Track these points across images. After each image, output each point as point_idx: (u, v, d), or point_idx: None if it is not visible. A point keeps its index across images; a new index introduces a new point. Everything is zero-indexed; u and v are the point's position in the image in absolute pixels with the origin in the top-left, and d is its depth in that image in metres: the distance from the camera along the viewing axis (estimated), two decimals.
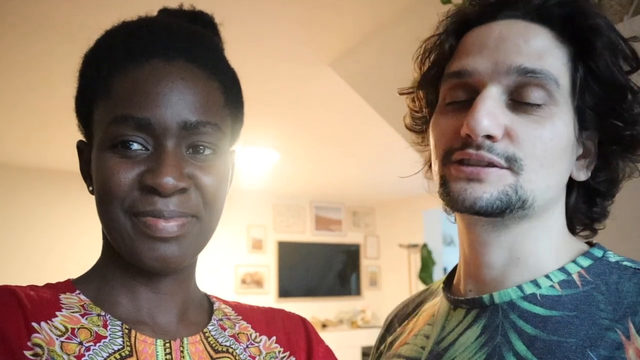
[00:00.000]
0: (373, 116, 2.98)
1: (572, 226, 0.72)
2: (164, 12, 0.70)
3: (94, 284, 0.64)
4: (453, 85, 0.66)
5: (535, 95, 0.60)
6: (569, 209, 0.70)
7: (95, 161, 0.60)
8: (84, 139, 0.67)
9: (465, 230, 0.70)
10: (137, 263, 0.59)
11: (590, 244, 0.69)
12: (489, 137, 0.60)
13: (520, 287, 0.64)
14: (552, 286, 0.64)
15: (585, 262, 0.65)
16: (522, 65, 0.60)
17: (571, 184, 0.68)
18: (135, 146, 0.58)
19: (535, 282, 0.64)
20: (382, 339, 0.86)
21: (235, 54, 0.73)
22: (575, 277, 0.64)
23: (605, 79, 0.62)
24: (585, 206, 0.71)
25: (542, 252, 0.66)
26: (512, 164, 0.60)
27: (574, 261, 0.65)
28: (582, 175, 0.67)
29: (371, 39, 2.55)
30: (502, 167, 0.60)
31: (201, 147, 0.60)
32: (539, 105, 0.60)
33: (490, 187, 0.60)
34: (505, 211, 0.61)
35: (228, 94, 0.65)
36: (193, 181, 0.60)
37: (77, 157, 0.67)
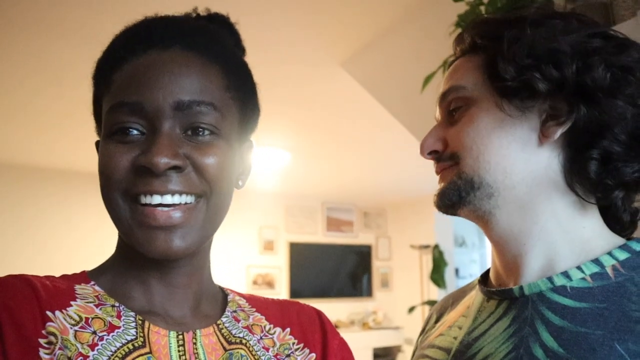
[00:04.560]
0: (384, 116, 2.98)
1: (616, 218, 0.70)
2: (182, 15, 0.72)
3: (108, 276, 0.65)
4: None
5: (451, 103, 0.75)
6: (593, 185, 0.66)
7: (99, 152, 0.61)
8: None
9: None
10: (140, 251, 0.59)
11: (630, 238, 0.68)
12: (436, 151, 0.75)
13: (550, 279, 0.65)
14: (583, 278, 0.64)
15: (622, 255, 0.64)
16: None
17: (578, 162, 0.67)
18: (132, 132, 0.58)
19: (566, 274, 0.65)
20: (421, 332, 0.89)
21: (246, 54, 0.74)
22: (609, 270, 0.63)
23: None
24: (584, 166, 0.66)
25: (548, 237, 0.67)
26: (453, 159, 0.72)
27: (609, 253, 0.65)
28: (552, 134, 0.66)
29: (383, 38, 2.55)
30: (449, 166, 0.73)
31: (200, 128, 0.59)
32: (458, 110, 0.73)
33: (443, 182, 0.74)
34: (462, 195, 0.71)
35: (231, 78, 0.64)
36: (190, 161, 0.59)
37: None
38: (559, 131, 0.66)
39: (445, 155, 0.74)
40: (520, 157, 0.68)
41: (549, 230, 0.68)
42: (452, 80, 0.75)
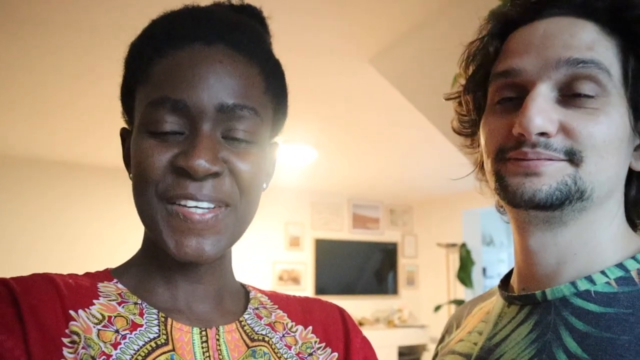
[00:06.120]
0: (412, 113, 2.95)
1: (632, 220, 0.70)
2: (214, 5, 0.71)
3: (132, 273, 0.65)
4: (501, 85, 0.66)
5: (586, 87, 0.59)
6: (629, 201, 0.68)
7: (132, 145, 0.60)
8: (127, 127, 0.67)
9: (518, 230, 0.69)
10: (169, 253, 0.58)
11: None
12: (543, 134, 0.60)
13: (573, 284, 0.63)
14: (607, 283, 0.62)
15: None
16: (572, 56, 0.60)
17: (631, 176, 0.67)
18: (171, 129, 0.57)
19: (589, 279, 0.63)
20: (441, 340, 0.87)
21: (274, 49, 0.72)
22: (634, 274, 0.61)
23: None
24: None
25: (600, 246, 0.65)
26: (571, 157, 0.60)
27: (633, 257, 0.63)
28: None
29: (412, 35, 2.52)
30: (560, 160, 0.60)
31: (238, 132, 0.59)
32: (591, 97, 0.60)
33: (549, 179, 0.60)
34: (564, 203, 0.61)
35: (269, 81, 0.64)
36: (227, 166, 0.58)
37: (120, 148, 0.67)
38: None
39: (558, 146, 0.60)
40: (621, 179, 0.65)
41: (601, 239, 0.65)
42: (591, 52, 0.60)
